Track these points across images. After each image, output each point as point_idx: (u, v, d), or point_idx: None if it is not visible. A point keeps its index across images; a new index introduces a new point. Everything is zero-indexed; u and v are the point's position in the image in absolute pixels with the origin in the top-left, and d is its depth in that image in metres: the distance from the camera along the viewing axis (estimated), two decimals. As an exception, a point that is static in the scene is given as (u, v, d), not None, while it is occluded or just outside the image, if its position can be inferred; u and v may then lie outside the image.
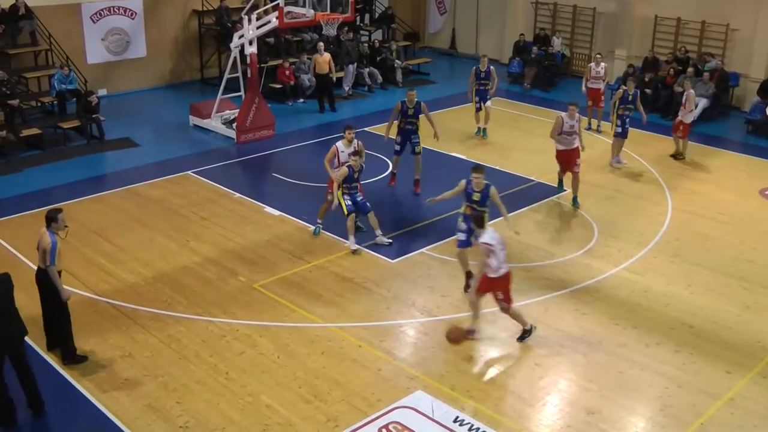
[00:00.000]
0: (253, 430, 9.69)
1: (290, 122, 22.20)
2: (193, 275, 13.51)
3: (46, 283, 10.65)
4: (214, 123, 21.44)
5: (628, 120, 19.15)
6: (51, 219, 10.47)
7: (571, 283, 13.37)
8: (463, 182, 12.88)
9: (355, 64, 25.60)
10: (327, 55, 23.35)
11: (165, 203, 16.48)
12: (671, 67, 24.16)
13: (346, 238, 14.50)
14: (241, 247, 14.53)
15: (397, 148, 17.52)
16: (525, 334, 11.60)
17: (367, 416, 9.93)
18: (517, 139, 21.14)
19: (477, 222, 11.58)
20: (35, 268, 12.84)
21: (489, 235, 11.20)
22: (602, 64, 22.05)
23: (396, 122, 17.42)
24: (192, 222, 15.61)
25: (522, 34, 28.49)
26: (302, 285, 13.15)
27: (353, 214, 14.37)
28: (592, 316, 12.39)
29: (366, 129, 21.54)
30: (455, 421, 9.84)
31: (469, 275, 12.88)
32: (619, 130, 19.04)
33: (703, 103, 22.67)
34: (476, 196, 12.67)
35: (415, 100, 17.10)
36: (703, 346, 11.63)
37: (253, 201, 16.64)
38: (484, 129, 21.17)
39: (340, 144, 14.95)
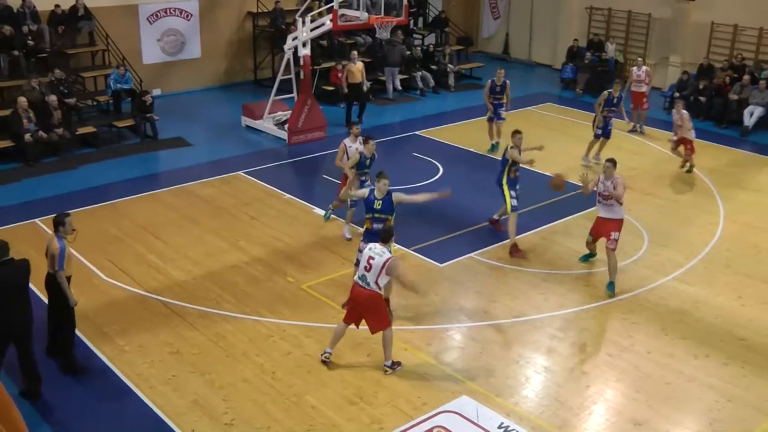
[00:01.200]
0: (297, 429, 9.74)
1: (342, 125, 22.26)
2: (242, 274, 13.63)
3: (54, 288, 10.52)
4: (266, 124, 21.60)
5: (611, 121, 19.29)
6: (58, 223, 10.39)
7: (620, 291, 13.22)
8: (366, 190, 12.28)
9: (397, 68, 25.45)
10: (360, 64, 22.86)
11: (216, 202, 16.65)
12: (726, 74, 23.82)
13: (393, 241, 14.56)
14: (289, 248, 14.63)
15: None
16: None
17: (412, 419, 9.93)
18: (567, 145, 20.95)
19: (385, 236, 10.81)
20: (88, 264, 13.17)
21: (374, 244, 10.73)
22: (644, 67, 22.05)
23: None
24: (242, 221, 15.75)
25: (576, 40, 28.30)
26: (350, 286, 13.12)
27: (353, 209, 14.74)
28: (641, 325, 12.26)
29: (417, 132, 21.56)
30: (500, 427, 9.80)
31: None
32: (599, 132, 19.25)
33: (759, 111, 22.35)
34: (378, 204, 11.91)
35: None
36: (755, 359, 11.43)
37: (303, 202, 16.74)
38: (497, 143, 20.16)
39: (347, 140, 15.30)
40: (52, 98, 19.02)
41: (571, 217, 16.11)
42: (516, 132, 14.69)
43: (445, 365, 11.12)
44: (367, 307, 10.66)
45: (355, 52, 23.36)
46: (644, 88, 21.84)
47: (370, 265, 10.45)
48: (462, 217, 16.05)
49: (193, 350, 11.35)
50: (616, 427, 9.96)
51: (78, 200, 16.30)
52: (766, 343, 11.85)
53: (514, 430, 9.75)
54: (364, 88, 22.88)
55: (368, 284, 10.51)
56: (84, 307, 12.29)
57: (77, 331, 11.37)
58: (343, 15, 19.57)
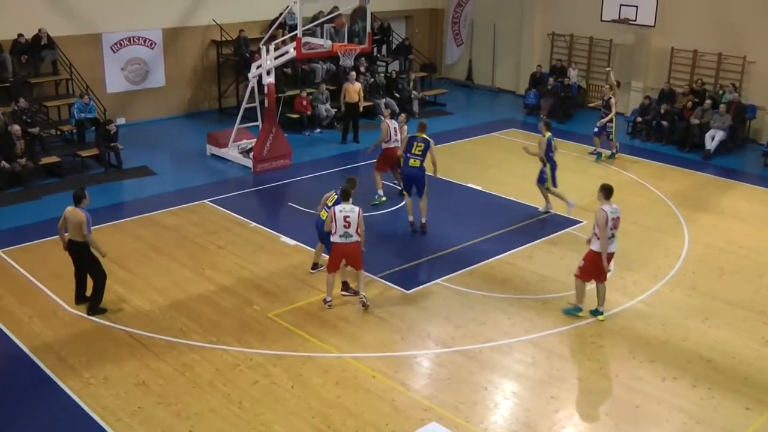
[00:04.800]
0: (266, 460, 9.65)
1: (307, 152, 22.28)
2: (209, 304, 13.53)
3: (80, 250, 12.84)
4: (231, 152, 21.54)
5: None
6: (81, 197, 12.71)
7: (587, 314, 13.29)
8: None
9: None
10: (358, 85, 23.36)
11: (181, 231, 16.54)
12: (688, 99, 24.15)
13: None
14: (256, 277, 14.55)
15: None
16: (349, 292, 13.80)
17: (380, 448, 9.88)
18: (532, 170, 21.03)
19: (346, 196, 13.17)
20: (53, 296, 13.05)
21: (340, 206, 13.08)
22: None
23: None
24: (208, 251, 15.65)
25: (539, 66, 28.60)
26: (317, 315, 13.14)
27: None
28: (608, 348, 12.31)
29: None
30: (469, 453, 9.78)
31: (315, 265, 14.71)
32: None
33: (719, 135, 22.65)
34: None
35: None
36: (722, 381, 11.52)
37: (270, 230, 16.66)
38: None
39: (395, 123, 18.24)
40: (15, 128, 18.85)
41: (535, 242, 16.20)
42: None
43: (414, 392, 11.08)
44: (354, 254, 13.16)
45: (354, 73, 23.49)
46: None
47: (349, 223, 12.88)
48: (428, 244, 16.08)
49: (160, 381, 11.22)
50: (585, 451, 9.97)
51: (42, 231, 16.11)
52: (733, 365, 11.94)
53: (484, 456, 9.74)
54: (360, 109, 23.37)
55: (351, 236, 12.96)
56: (48, 340, 12.20)
57: (43, 366, 11.32)
58: (306, 43, 19.64)
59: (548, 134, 17.54)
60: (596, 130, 22.28)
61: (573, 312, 13.23)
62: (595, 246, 12.84)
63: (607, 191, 13.08)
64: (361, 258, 13.30)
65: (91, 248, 12.89)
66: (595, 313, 13.17)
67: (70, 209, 12.70)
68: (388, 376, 11.44)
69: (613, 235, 12.79)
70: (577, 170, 21.14)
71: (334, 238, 13.02)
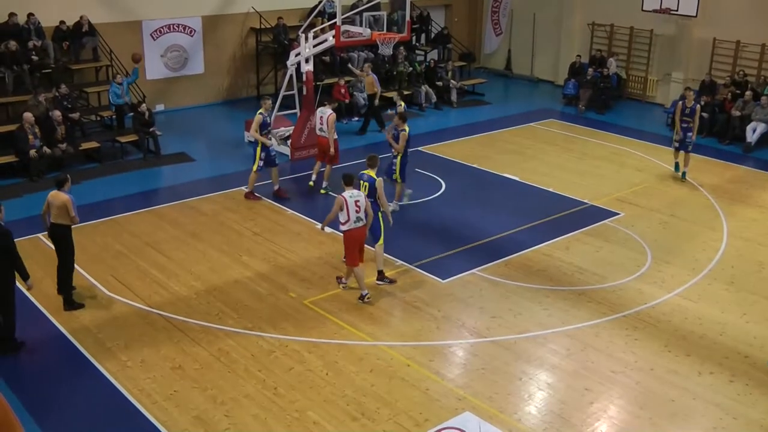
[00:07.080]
0: (299, 446, 9.71)
1: (344, 140, 22.25)
2: (245, 290, 13.62)
3: (60, 236, 12.68)
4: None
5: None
6: (64, 181, 12.59)
7: (623, 308, 13.20)
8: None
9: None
10: (371, 76, 23.28)
11: (219, 218, 16.65)
12: (729, 90, 23.83)
13: (396, 257, 14.53)
14: (292, 264, 14.61)
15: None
16: (360, 298, 13.23)
17: (414, 436, 9.90)
18: (570, 161, 20.99)
19: (349, 181, 13.13)
20: (91, 279, 13.17)
21: (348, 192, 12.98)
22: None
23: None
24: (245, 237, 15.74)
25: (578, 56, 28.34)
26: (352, 302, 13.17)
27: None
28: (644, 342, 12.22)
29: (419, 148, 21.50)
30: (503, 444, 9.77)
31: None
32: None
33: (761, 128, 22.32)
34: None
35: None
36: (760, 376, 11.38)
37: (306, 218, 16.72)
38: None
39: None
40: (56, 113, 19.08)
41: (572, 233, 16.10)
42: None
43: (448, 381, 11.09)
44: (362, 241, 13.18)
45: (368, 65, 23.45)
46: None
47: (359, 207, 12.90)
48: (464, 233, 16.04)
49: (195, 365, 11.33)
50: (619, 444, 9.92)
51: (81, 215, 16.01)
52: (771, 360, 11.82)
53: (517, 446, 9.73)
54: (376, 100, 23.27)
55: (362, 220, 13.00)
56: (86, 322, 12.36)
57: (82, 348, 11.49)
58: (345, 31, 19.64)
59: (407, 128, 16.78)
60: (677, 145, 19.64)
61: None
62: None
63: None
64: (362, 248, 13.26)
65: (71, 236, 12.79)
66: None
67: (53, 193, 12.57)
68: (422, 364, 11.46)
69: None
70: (617, 162, 20.97)
71: (347, 226, 12.92)
